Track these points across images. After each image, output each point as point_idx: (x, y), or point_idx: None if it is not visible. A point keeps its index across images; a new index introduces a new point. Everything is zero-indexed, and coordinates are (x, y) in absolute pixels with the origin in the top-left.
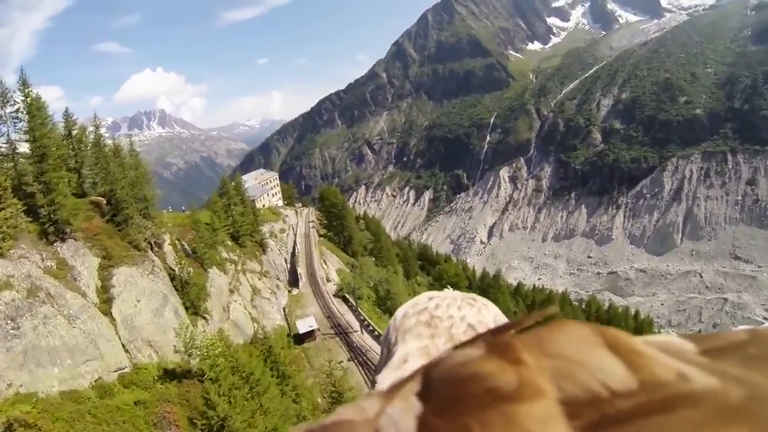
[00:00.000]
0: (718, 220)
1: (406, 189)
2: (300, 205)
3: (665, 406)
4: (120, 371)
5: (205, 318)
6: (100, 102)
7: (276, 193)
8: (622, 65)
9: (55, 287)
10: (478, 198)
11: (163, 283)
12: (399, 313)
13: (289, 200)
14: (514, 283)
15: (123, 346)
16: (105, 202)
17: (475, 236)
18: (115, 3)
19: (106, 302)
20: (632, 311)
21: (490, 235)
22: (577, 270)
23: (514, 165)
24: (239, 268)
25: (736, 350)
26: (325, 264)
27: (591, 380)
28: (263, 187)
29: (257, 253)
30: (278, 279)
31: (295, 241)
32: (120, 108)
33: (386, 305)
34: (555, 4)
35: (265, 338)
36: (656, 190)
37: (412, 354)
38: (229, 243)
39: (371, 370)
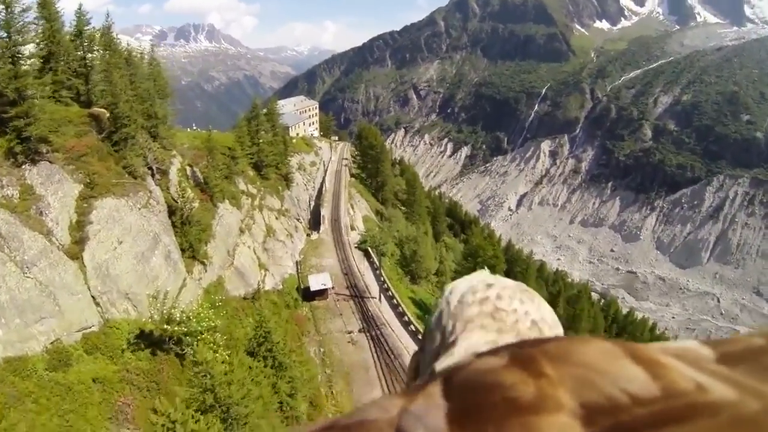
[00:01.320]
0: (750, 250)
1: (445, 140)
2: (336, 138)
3: (682, 415)
4: (85, 330)
5: (203, 263)
6: (149, 9)
7: (313, 122)
8: (690, 65)
9: (8, 224)
10: (515, 165)
11: (157, 220)
12: (454, 296)
13: (325, 132)
14: (533, 257)
15: (93, 299)
16: (107, 115)
17: (504, 202)
18: None
19: (78, 242)
20: (650, 322)
21: (519, 204)
22: (597, 260)
23: (557, 140)
24: (256, 203)
25: (753, 357)
26: (352, 209)
27: (612, 387)
28: (300, 115)
29: (280, 187)
30: (298, 219)
31: (324, 178)
32: (169, 17)
33: (410, 267)
34: None
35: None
36: (695, 202)
37: (479, 347)
38: (251, 173)
39: (384, 348)
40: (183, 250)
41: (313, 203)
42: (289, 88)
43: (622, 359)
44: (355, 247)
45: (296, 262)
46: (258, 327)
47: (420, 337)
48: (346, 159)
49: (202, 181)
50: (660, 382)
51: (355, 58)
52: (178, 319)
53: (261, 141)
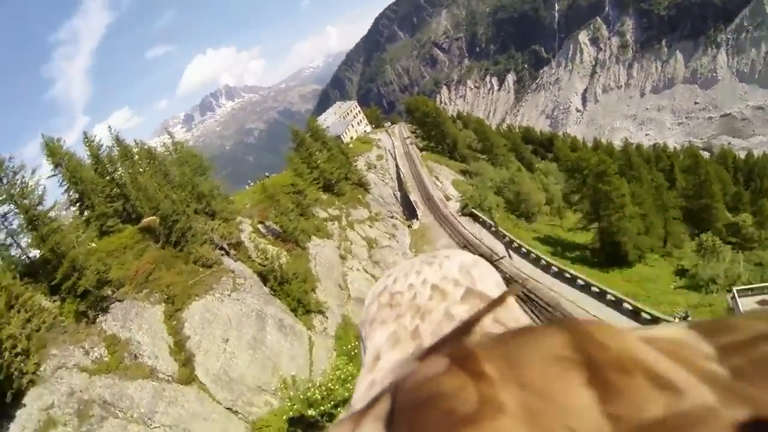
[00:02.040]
0: None
1: (488, 77)
2: (389, 123)
3: None
4: None
5: (321, 312)
6: (166, 104)
7: (361, 120)
8: None
9: (110, 387)
10: (563, 68)
11: (252, 296)
12: (365, 303)
13: (377, 123)
14: (621, 144)
15: (230, 410)
16: (157, 220)
17: (569, 106)
18: (144, 11)
19: (186, 364)
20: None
21: (584, 101)
22: (686, 119)
23: (591, 27)
24: (344, 223)
25: (755, 347)
26: (438, 180)
27: (554, 420)
28: (345, 120)
29: (360, 196)
30: (392, 216)
31: (397, 165)
32: (187, 101)
33: (520, 209)
34: None
35: None
36: (759, 20)
37: (381, 348)
38: (325, 197)
39: (539, 304)
40: (294, 310)
41: (399, 193)
42: (323, 103)
43: (572, 378)
44: (460, 216)
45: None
46: None
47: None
48: (408, 137)
49: (280, 231)
50: (618, 405)
51: (368, 45)
52: (318, 396)
53: (318, 162)
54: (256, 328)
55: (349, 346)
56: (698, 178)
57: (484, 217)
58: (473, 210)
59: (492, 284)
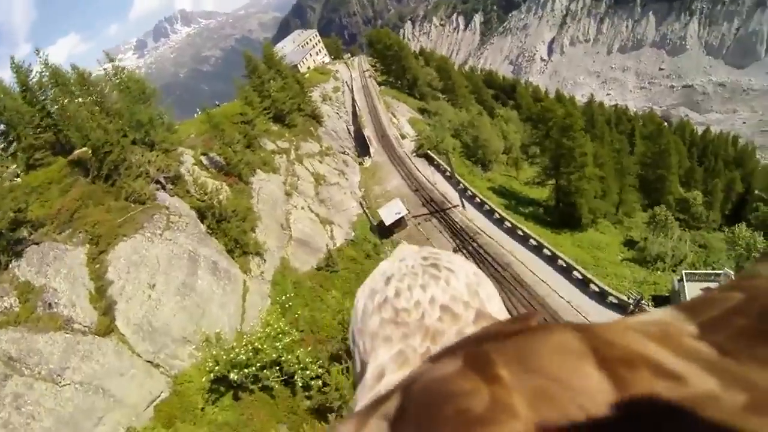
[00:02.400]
0: None
1: (454, 16)
2: (349, 56)
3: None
4: (155, 402)
5: (259, 254)
6: (116, 29)
7: (320, 51)
8: None
9: (16, 342)
10: (532, 14)
11: (186, 236)
12: (358, 306)
13: (336, 54)
14: (583, 100)
15: (150, 363)
16: (90, 153)
17: (534, 54)
18: None
19: (106, 313)
20: (730, 136)
21: (550, 51)
22: (648, 84)
23: None
24: (292, 156)
25: (732, 323)
26: (395, 117)
27: (571, 404)
28: (303, 49)
29: (311, 128)
30: (344, 152)
31: (353, 98)
32: (140, 25)
33: (476, 155)
34: None
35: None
36: None
37: (387, 367)
38: (275, 128)
39: (487, 260)
40: (231, 251)
41: (352, 128)
42: (282, 31)
43: (583, 363)
44: (415, 156)
45: (359, 200)
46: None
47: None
48: (367, 70)
49: (223, 163)
50: (628, 390)
51: None
52: (244, 357)
53: (270, 91)
54: (187, 271)
55: (285, 297)
56: (658, 147)
57: (440, 161)
58: (429, 151)
59: (497, 305)
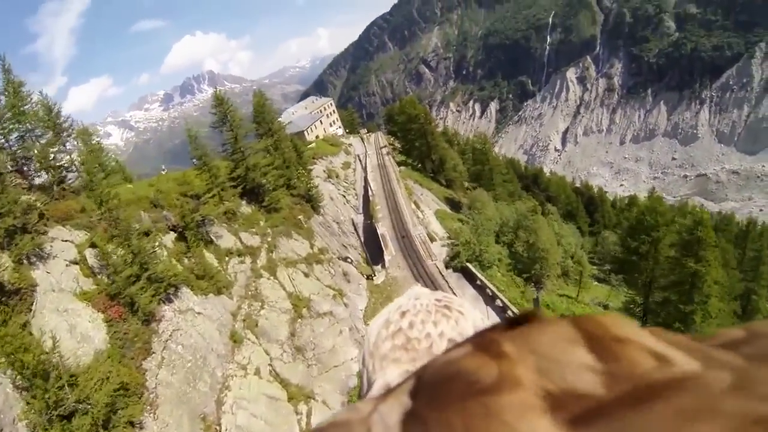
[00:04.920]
0: None
1: (471, 102)
2: (365, 131)
3: (643, 397)
4: None
5: None
6: (148, 78)
7: (334, 121)
8: None
9: None
10: (547, 104)
11: None
12: (371, 332)
13: (351, 128)
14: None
15: None
16: None
17: (548, 144)
18: None
19: None
20: (739, 219)
21: (564, 141)
22: (662, 173)
23: (580, 65)
24: (261, 261)
25: (730, 347)
26: (418, 208)
27: (562, 378)
28: (313, 116)
29: (302, 217)
30: (347, 259)
31: (366, 178)
32: (169, 79)
33: (531, 270)
34: None
35: None
36: (744, 80)
37: (393, 381)
38: (246, 210)
39: None
40: None
41: (361, 218)
42: None
43: (576, 342)
44: (449, 272)
45: (363, 352)
46: None
47: None
48: (385, 146)
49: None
50: (617, 364)
51: (356, 53)
52: None
53: (245, 151)
54: None
55: None
56: (753, 253)
57: (484, 280)
58: (468, 264)
59: None
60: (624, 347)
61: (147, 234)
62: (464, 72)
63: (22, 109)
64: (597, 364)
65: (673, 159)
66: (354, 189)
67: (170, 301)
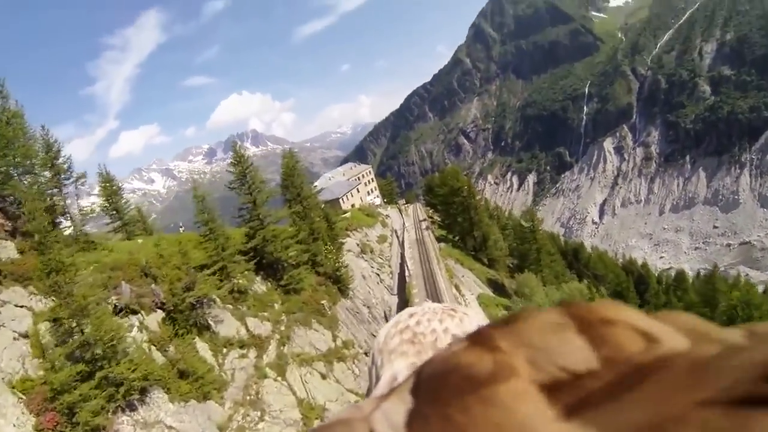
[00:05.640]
0: None
1: (509, 175)
2: (403, 201)
3: (633, 379)
4: None
5: None
6: (194, 131)
7: (372, 189)
8: (719, 2)
9: None
10: (584, 175)
11: None
12: (381, 334)
13: (390, 198)
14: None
15: None
16: None
17: (585, 216)
18: (194, 40)
19: None
20: None
21: (601, 213)
22: (703, 243)
23: (617, 134)
24: (269, 357)
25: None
26: (459, 293)
27: (553, 365)
28: (350, 183)
29: (326, 301)
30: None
31: (402, 254)
32: (214, 134)
33: None
34: None
35: None
36: None
37: (400, 372)
38: (260, 288)
39: None
40: None
41: (395, 300)
42: None
43: (565, 330)
44: None
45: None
46: None
47: None
48: (425, 220)
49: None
50: (604, 348)
51: (396, 121)
52: None
53: (266, 219)
54: None
55: None
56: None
57: None
58: None
59: None
60: (612, 329)
61: (122, 311)
62: (502, 143)
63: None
64: (586, 348)
65: (715, 227)
66: (389, 266)
67: (132, 408)
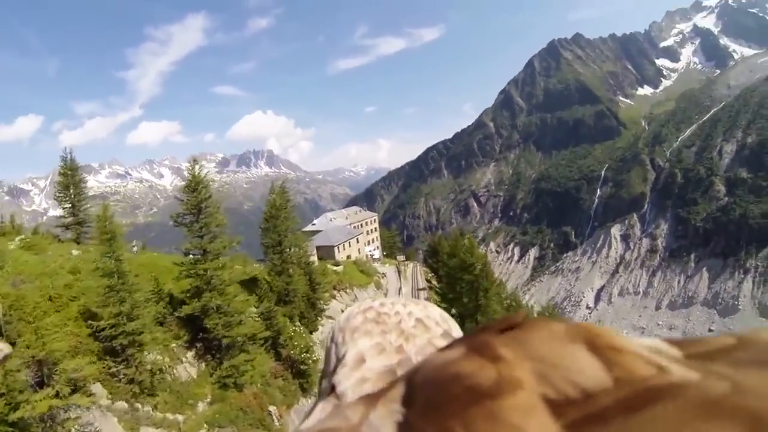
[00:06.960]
0: None
1: (511, 245)
2: (403, 258)
3: (644, 401)
4: None
5: None
6: (212, 138)
7: (373, 240)
8: (744, 105)
9: None
10: (587, 258)
11: None
12: (344, 314)
13: (389, 251)
14: None
15: None
16: None
17: (581, 300)
18: (232, 51)
19: None
20: None
21: (597, 299)
22: None
23: (626, 222)
24: None
25: (723, 354)
26: None
27: (564, 381)
28: (350, 231)
29: (275, 407)
30: None
31: None
32: (231, 145)
33: None
34: (663, 44)
35: None
36: None
37: (367, 352)
38: (186, 369)
39: None
40: None
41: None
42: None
43: (575, 347)
44: None
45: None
46: None
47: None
48: (423, 289)
49: None
50: (616, 370)
51: (411, 172)
52: None
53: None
54: None
55: None
56: None
57: None
58: None
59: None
60: (621, 355)
61: None
62: (511, 213)
63: None
64: (598, 367)
65: (710, 330)
66: None
67: None
